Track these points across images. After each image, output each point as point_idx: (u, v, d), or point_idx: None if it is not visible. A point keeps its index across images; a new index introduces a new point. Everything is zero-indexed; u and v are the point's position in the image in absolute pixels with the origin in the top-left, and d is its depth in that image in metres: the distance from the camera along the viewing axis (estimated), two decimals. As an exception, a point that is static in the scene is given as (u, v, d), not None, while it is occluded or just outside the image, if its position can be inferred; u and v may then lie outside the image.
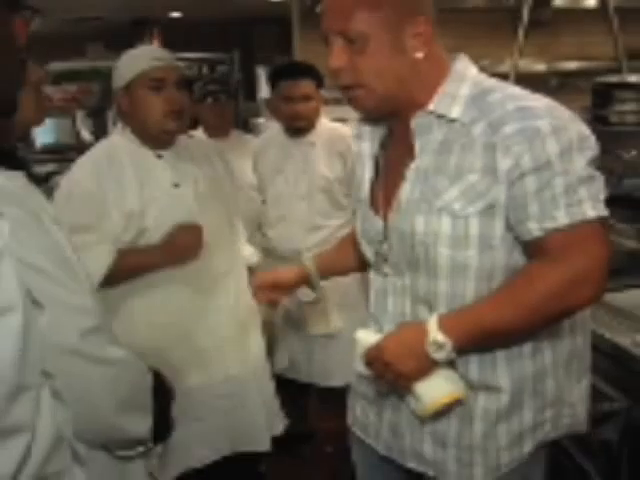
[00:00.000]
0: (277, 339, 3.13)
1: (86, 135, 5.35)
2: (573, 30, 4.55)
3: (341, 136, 3.06)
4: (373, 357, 1.47)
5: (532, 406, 1.51)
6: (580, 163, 1.35)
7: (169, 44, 8.48)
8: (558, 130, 1.34)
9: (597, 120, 3.23)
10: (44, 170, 4.50)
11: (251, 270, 2.72)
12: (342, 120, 3.30)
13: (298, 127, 3.04)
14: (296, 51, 4.78)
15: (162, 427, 1.44)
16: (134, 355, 1.35)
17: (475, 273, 1.43)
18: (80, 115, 5.78)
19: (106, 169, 2.18)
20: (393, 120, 1.54)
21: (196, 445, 2.28)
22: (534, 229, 1.37)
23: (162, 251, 2.15)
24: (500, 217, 1.39)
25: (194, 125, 3.52)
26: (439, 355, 1.40)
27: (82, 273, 1.27)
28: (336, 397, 3.06)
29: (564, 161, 1.34)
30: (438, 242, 1.42)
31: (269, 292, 1.92)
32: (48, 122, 6.01)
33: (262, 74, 8.59)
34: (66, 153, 4.57)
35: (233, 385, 2.32)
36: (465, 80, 1.46)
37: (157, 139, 2.23)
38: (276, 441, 3.07)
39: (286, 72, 3.06)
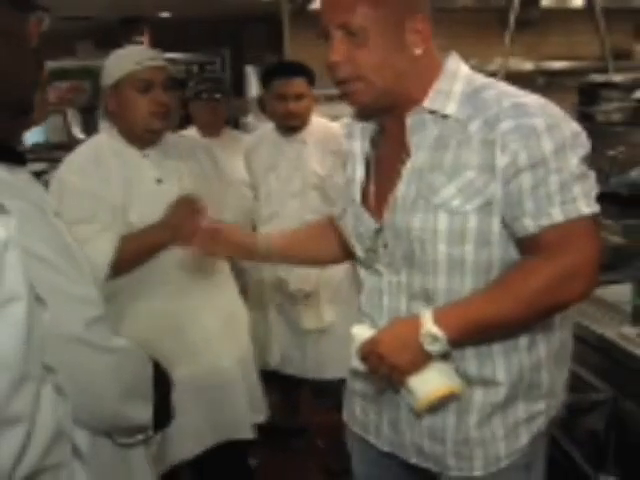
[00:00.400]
0: (270, 334, 3.18)
1: (78, 133, 5.36)
2: (560, 30, 4.60)
3: (333, 133, 3.08)
4: (368, 351, 1.47)
5: (527, 398, 1.53)
6: (574, 160, 1.38)
7: (159, 43, 8.51)
8: (552, 128, 1.37)
9: (584, 118, 3.27)
10: (34, 169, 4.50)
11: (238, 264, 2.77)
12: (334, 118, 3.35)
13: (291, 125, 3.07)
14: (287, 50, 4.81)
15: (162, 415, 1.47)
16: (135, 345, 1.38)
17: (472, 268, 1.44)
18: (72, 113, 5.78)
19: (92, 166, 2.23)
20: (386, 117, 1.54)
21: (181, 438, 2.30)
22: (529, 225, 1.39)
23: (161, 227, 2.17)
24: (497, 213, 1.40)
25: (187, 123, 3.56)
26: (433, 347, 1.41)
27: (85, 265, 1.30)
28: (329, 391, 3.11)
29: (559, 159, 1.36)
30: (436, 239, 1.43)
31: (208, 241, 1.86)
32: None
33: (251, 73, 8.61)
34: (57, 152, 4.57)
35: (219, 376, 2.35)
36: (458, 77, 1.47)
37: (143, 138, 2.28)
38: (269, 435, 3.11)
39: (279, 71, 3.09)
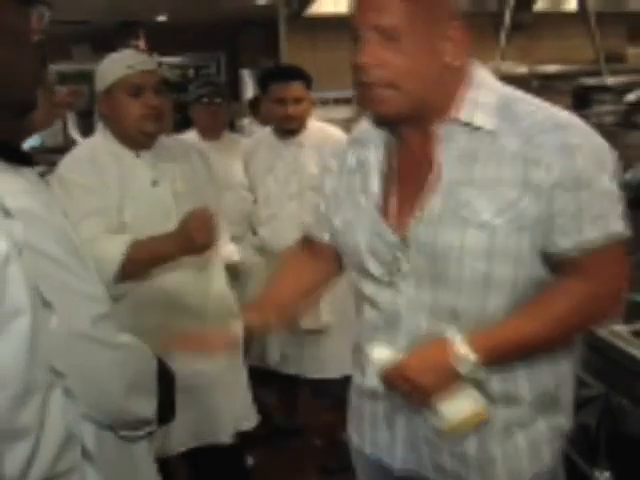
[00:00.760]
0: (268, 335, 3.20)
1: (76, 137, 5.39)
2: (554, 33, 4.63)
3: (330, 137, 3.13)
4: (394, 377, 1.41)
5: (549, 414, 1.49)
6: (609, 179, 1.34)
7: (155, 47, 8.55)
8: (588, 145, 1.34)
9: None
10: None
11: (235, 268, 2.79)
12: (329, 121, 3.40)
13: (289, 129, 3.11)
14: (283, 54, 4.85)
15: (166, 409, 1.49)
16: (140, 341, 1.40)
17: (499, 286, 1.38)
18: (71, 117, 5.81)
19: (88, 166, 2.26)
20: (406, 126, 1.45)
21: (161, 436, 2.30)
22: (563, 245, 1.34)
23: (175, 239, 2.18)
24: (529, 230, 1.35)
25: (186, 126, 3.60)
26: (464, 369, 1.35)
27: (91, 263, 1.33)
28: (328, 390, 3.14)
29: (595, 177, 1.32)
30: (464, 254, 1.37)
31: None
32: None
33: (247, 76, 8.64)
34: (55, 155, 4.60)
35: (199, 379, 2.33)
36: (488, 88, 1.41)
37: (136, 141, 2.31)
38: (267, 434, 3.14)
39: (277, 75, 3.14)
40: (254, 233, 3.27)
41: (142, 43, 8.50)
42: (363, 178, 1.53)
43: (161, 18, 8.47)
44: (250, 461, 3.10)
